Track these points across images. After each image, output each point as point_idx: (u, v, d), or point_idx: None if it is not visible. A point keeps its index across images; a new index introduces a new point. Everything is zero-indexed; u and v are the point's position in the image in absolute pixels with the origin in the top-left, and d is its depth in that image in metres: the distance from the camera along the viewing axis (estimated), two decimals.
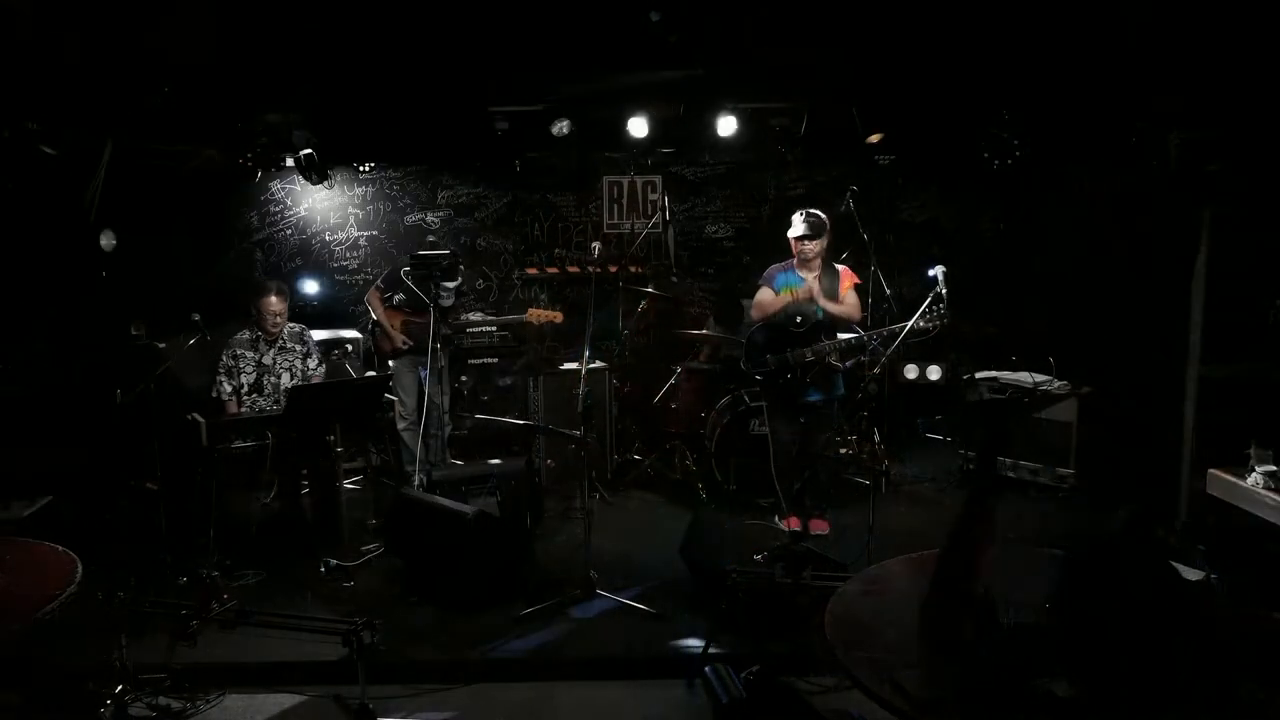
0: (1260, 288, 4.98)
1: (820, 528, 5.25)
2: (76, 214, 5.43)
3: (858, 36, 5.72)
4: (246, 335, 5.22)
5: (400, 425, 5.88)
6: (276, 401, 5.24)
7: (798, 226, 5.04)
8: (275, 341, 5.26)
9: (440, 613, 4.25)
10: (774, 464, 5.30)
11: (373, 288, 6.03)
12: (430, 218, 7.73)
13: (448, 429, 6.04)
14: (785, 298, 5.10)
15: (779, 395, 5.22)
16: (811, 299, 5.03)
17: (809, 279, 5.07)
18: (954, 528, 2.15)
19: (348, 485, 5.89)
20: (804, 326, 5.05)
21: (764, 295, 5.19)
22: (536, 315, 5.99)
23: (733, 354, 6.65)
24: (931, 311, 4.51)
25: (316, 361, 5.42)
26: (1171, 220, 5.38)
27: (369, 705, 3.16)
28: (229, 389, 5.13)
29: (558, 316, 6.06)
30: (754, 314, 5.25)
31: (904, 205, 7.94)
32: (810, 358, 5.01)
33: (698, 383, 6.46)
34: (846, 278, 5.16)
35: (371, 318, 6.03)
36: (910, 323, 4.50)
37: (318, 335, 6.57)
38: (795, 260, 5.14)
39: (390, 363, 5.94)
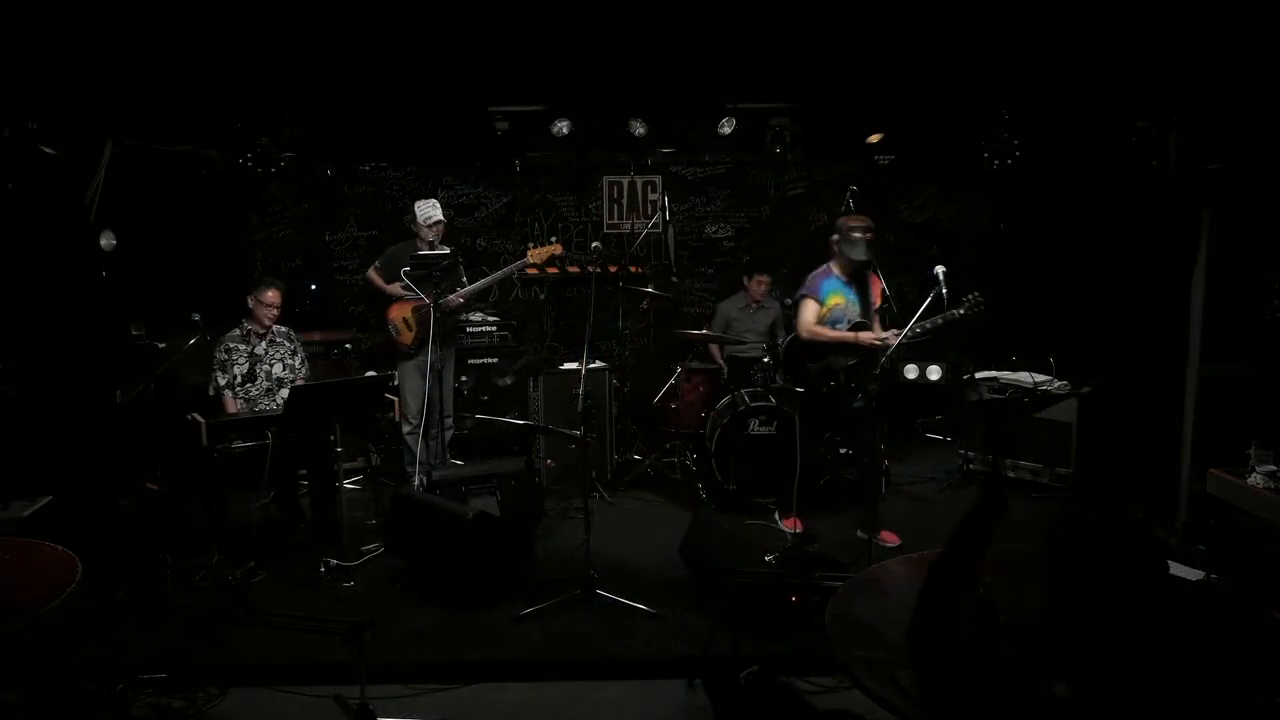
0: (1260, 288, 4.98)
1: (892, 539, 5.07)
2: (76, 214, 5.43)
3: (858, 36, 5.72)
4: (238, 331, 5.32)
5: (405, 429, 5.83)
6: (269, 390, 5.27)
7: (860, 249, 4.86)
8: (266, 335, 5.32)
9: (440, 613, 4.25)
10: (799, 470, 5.13)
11: (371, 268, 5.90)
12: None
13: (449, 432, 6.01)
14: (844, 333, 4.96)
15: (820, 404, 5.05)
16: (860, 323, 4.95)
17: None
18: (957, 531, 2.14)
19: (348, 485, 5.89)
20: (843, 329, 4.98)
21: (810, 313, 4.98)
22: (537, 254, 5.77)
23: (738, 354, 6.65)
24: (969, 299, 4.52)
25: (301, 360, 5.51)
26: (1171, 220, 5.38)
27: (369, 705, 3.15)
28: (223, 382, 5.18)
29: (558, 248, 5.85)
30: (803, 333, 5.05)
31: (904, 205, 7.95)
32: (853, 361, 4.89)
33: (697, 383, 6.46)
34: (876, 285, 5.07)
35: (388, 322, 5.85)
36: (949, 313, 4.50)
37: (317, 336, 6.60)
38: (836, 267, 5.04)
39: (399, 365, 5.87)
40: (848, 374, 4.93)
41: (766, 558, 4.31)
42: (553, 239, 6.30)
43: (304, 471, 5.16)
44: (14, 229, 5.16)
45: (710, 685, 3.54)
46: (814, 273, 5.14)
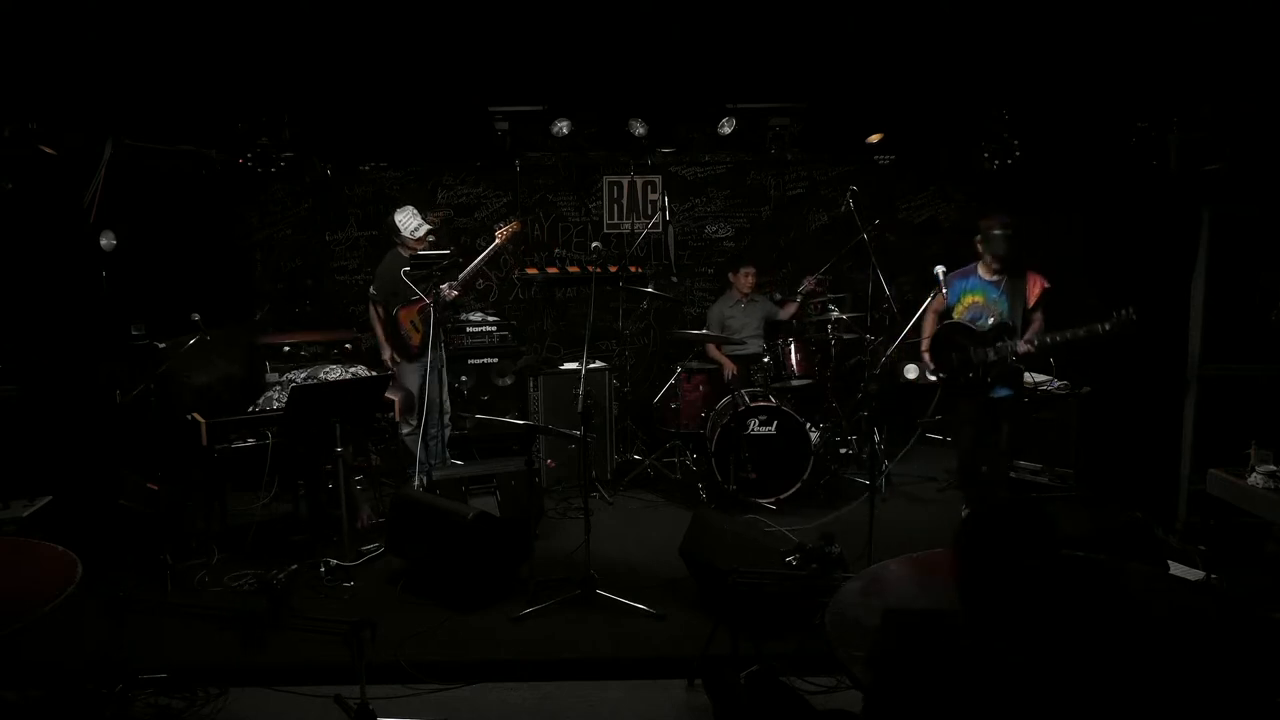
0: (1260, 288, 4.98)
1: None
2: (76, 214, 5.43)
3: (858, 36, 5.72)
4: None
5: (404, 431, 5.82)
6: None
7: (998, 244, 4.89)
8: None
9: (440, 613, 4.25)
10: (958, 466, 5.26)
11: (369, 300, 5.98)
12: (430, 218, 7.71)
13: (448, 430, 6.02)
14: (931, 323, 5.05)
15: (961, 393, 5.03)
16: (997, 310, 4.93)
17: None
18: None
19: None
20: (987, 327, 4.91)
21: (929, 304, 4.98)
22: (503, 233, 5.95)
23: (736, 354, 6.63)
24: (1117, 316, 4.47)
25: None
26: (1171, 220, 5.38)
27: (369, 705, 3.15)
28: None
29: (517, 225, 6.09)
30: (926, 327, 5.09)
31: (904, 205, 7.95)
32: (993, 358, 4.83)
33: (697, 383, 6.46)
34: (1036, 284, 4.96)
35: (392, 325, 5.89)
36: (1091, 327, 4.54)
37: (317, 336, 6.59)
38: (981, 267, 5.01)
39: (397, 367, 5.88)
40: (986, 369, 4.86)
41: (787, 559, 4.27)
42: (510, 218, 6.41)
43: (305, 471, 5.16)
44: (14, 229, 5.16)
45: (710, 685, 3.54)
46: (957, 270, 5.08)
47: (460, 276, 5.81)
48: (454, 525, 4.32)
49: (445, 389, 5.95)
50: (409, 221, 5.83)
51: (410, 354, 5.80)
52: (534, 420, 6.26)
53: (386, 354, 5.87)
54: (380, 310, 5.88)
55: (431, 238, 5.97)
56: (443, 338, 6.13)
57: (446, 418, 6.00)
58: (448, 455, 6.01)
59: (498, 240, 5.96)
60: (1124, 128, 5.65)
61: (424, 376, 5.73)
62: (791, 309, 6.67)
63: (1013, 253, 4.91)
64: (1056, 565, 1.93)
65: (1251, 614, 2.59)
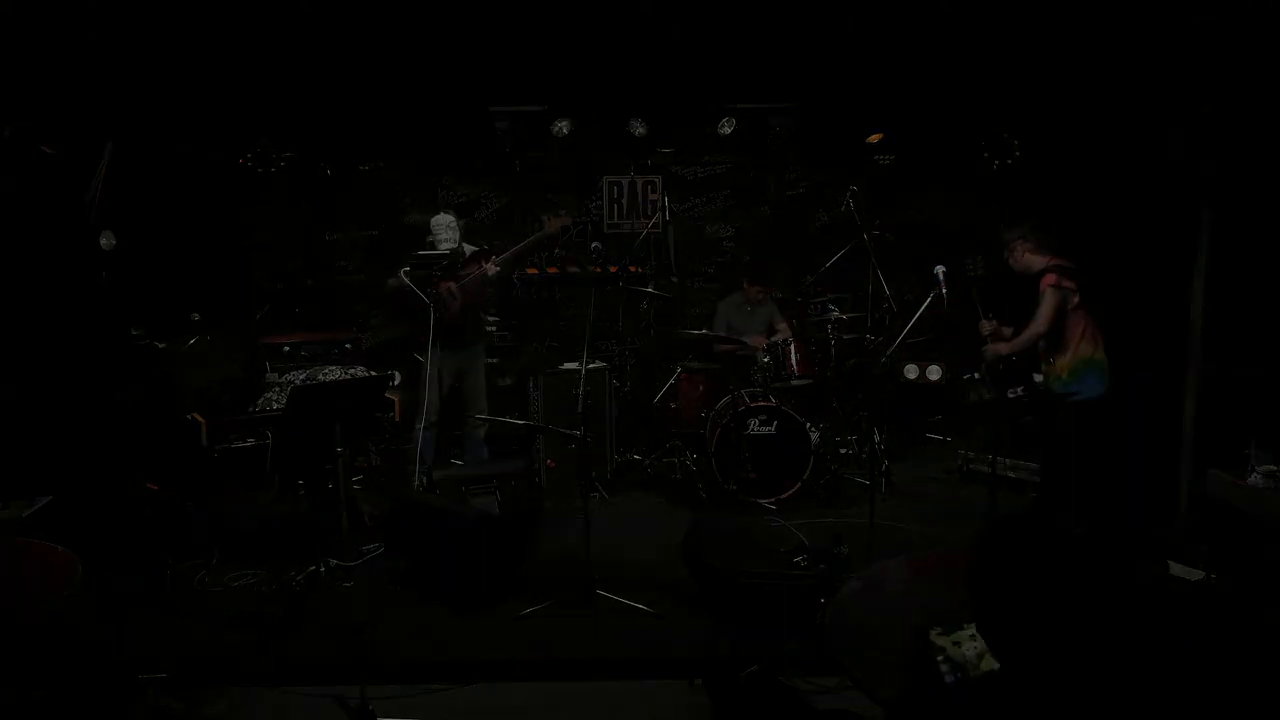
0: (1260, 287, 4.98)
1: None
2: (76, 214, 5.43)
3: (858, 37, 5.73)
4: None
5: (420, 425, 5.65)
6: None
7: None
8: None
9: (440, 613, 4.25)
10: None
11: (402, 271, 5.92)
12: (553, 221, 7.64)
13: (483, 429, 5.98)
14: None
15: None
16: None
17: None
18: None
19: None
20: None
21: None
22: (553, 224, 5.73)
23: (738, 354, 6.63)
24: None
25: None
26: (1171, 220, 5.38)
27: (369, 705, 3.16)
28: None
29: (568, 218, 5.94)
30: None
31: (904, 205, 7.95)
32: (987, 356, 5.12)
33: (697, 382, 6.46)
34: (1043, 281, 4.99)
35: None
36: None
37: (315, 336, 6.58)
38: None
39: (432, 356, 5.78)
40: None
41: (796, 559, 4.27)
42: (561, 211, 6.32)
43: (305, 471, 5.15)
44: (14, 229, 5.16)
45: (710, 685, 3.54)
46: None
47: (504, 255, 5.61)
48: (454, 525, 4.31)
49: (482, 389, 5.91)
50: (441, 233, 5.69)
51: (446, 328, 5.49)
52: (534, 420, 6.25)
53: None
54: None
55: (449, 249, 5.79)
56: (483, 338, 6.01)
57: (483, 403, 5.91)
58: (484, 450, 5.99)
59: (546, 229, 5.75)
60: (1124, 128, 5.65)
61: (440, 371, 5.56)
62: (784, 332, 6.69)
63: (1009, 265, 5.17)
64: (1066, 571, 1.92)
65: (1251, 614, 2.59)
